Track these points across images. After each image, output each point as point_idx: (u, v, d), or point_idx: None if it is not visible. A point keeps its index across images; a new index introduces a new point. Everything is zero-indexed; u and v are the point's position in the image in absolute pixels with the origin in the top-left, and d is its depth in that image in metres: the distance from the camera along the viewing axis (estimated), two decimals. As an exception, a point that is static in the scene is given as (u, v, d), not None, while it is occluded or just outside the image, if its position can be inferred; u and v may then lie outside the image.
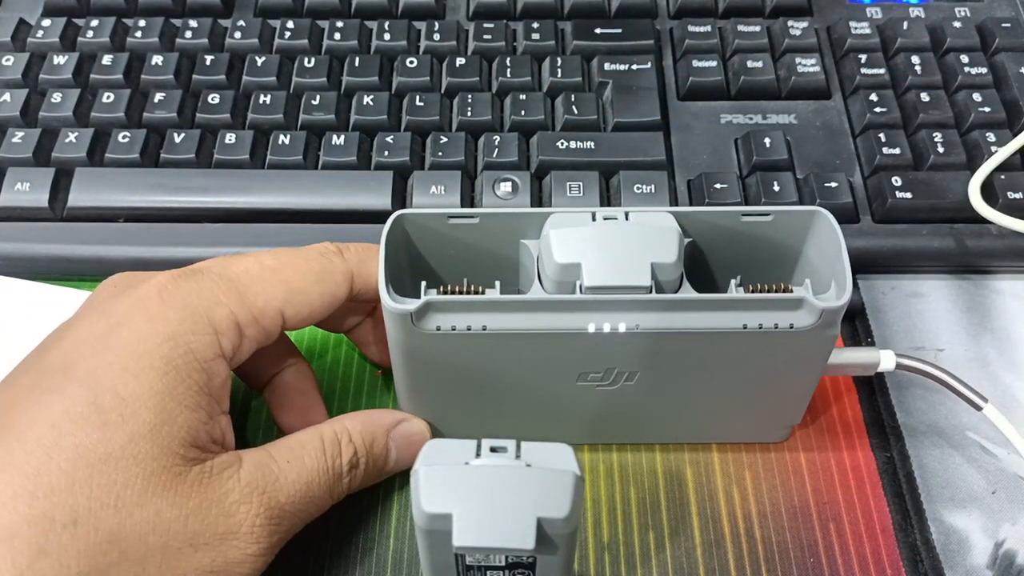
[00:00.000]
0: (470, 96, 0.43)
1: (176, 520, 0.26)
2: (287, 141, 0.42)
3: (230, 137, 0.42)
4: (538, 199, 0.40)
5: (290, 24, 0.46)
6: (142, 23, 0.46)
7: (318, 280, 0.31)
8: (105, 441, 0.26)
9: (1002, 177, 0.40)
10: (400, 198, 0.41)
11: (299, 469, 0.29)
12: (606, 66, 0.44)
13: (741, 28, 0.46)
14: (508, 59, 0.45)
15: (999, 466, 0.35)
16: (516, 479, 0.24)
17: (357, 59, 0.45)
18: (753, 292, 0.31)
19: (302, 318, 0.31)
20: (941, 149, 0.41)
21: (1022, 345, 0.39)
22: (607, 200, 0.40)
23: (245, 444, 0.36)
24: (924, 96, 0.43)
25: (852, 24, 0.46)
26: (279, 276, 0.30)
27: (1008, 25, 0.45)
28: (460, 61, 0.45)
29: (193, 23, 0.46)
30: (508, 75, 0.44)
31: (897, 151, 0.41)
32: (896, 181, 0.40)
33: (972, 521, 0.34)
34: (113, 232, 0.40)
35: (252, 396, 0.37)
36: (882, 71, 0.44)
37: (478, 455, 0.25)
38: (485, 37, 0.46)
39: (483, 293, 0.31)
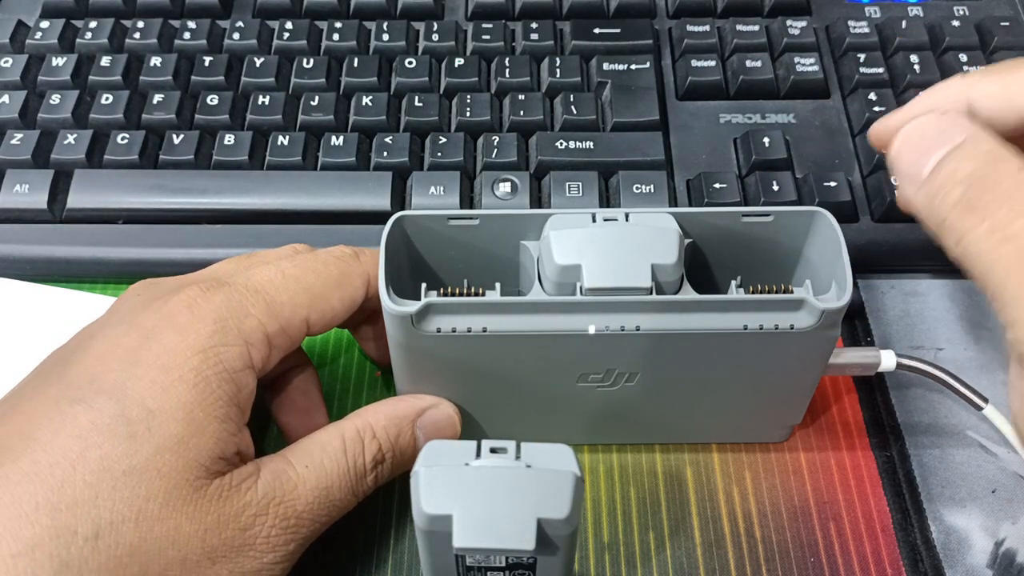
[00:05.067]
0: (469, 96, 0.43)
1: (195, 535, 0.26)
2: (286, 142, 0.42)
3: (229, 138, 0.42)
4: (537, 199, 0.40)
5: (288, 25, 0.46)
6: (140, 24, 0.46)
7: (338, 285, 0.31)
8: (131, 454, 0.26)
9: (1001, 176, 0.40)
10: (399, 199, 0.41)
11: (318, 475, 0.29)
12: (605, 66, 0.44)
13: (740, 27, 0.46)
14: (507, 59, 0.45)
15: (999, 466, 0.36)
16: (516, 480, 0.24)
17: (356, 60, 0.45)
18: (753, 293, 0.31)
19: (325, 323, 0.31)
20: (940, 148, 0.41)
21: (1021, 344, 0.39)
22: (606, 200, 0.40)
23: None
24: (923, 95, 0.43)
25: (851, 23, 0.46)
26: (302, 284, 0.30)
27: (1007, 24, 0.45)
28: (459, 61, 0.45)
29: (192, 24, 0.46)
30: (507, 75, 0.44)
31: (896, 150, 0.41)
32: (895, 180, 0.40)
33: (972, 520, 0.34)
34: (112, 234, 0.40)
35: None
36: (881, 70, 0.44)
37: (478, 456, 0.25)
38: (484, 37, 0.46)
39: (483, 295, 0.31)
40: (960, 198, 0.24)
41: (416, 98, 0.43)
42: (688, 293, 0.30)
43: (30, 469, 0.25)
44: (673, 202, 0.41)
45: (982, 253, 0.23)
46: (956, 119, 0.25)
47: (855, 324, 0.40)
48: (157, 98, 0.43)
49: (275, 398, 0.35)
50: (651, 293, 0.29)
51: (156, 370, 0.27)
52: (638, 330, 0.29)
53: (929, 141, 0.25)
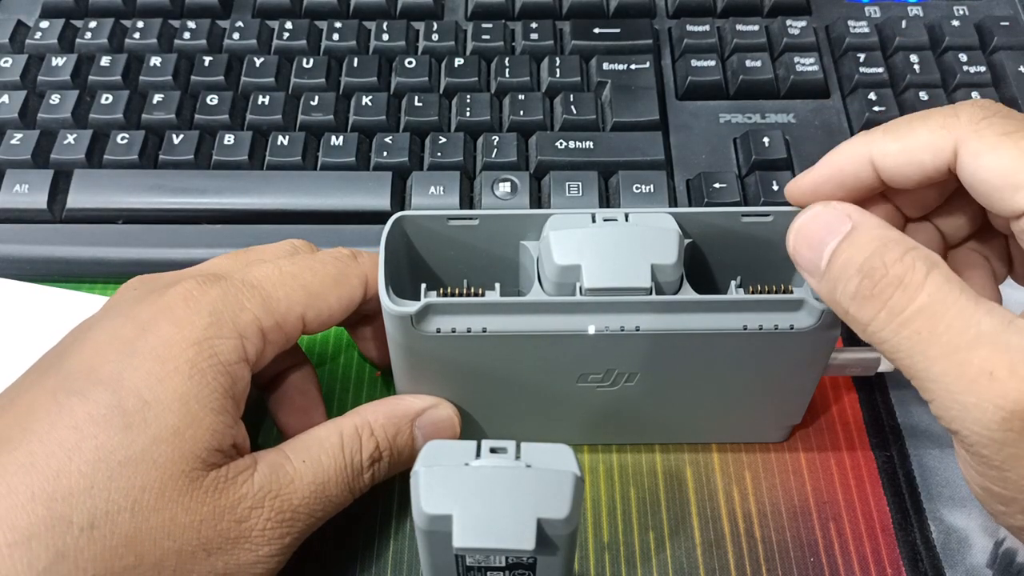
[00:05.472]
0: (469, 96, 0.43)
1: (190, 526, 0.27)
2: (286, 142, 0.42)
3: (229, 138, 0.42)
4: (537, 199, 0.40)
5: (288, 25, 0.46)
6: (140, 24, 0.46)
7: (336, 284, 0.31)
8: (126, 444, 0.26)
9: (1001, 176, 0.40)
10: (399, 199, 0.41)
11: (315, 470, 0.29)
12: (605, 66, 0.44)
13: (740, 27, 0.46)
14: (507, 59, 0.45)
15: (999, 465, 0.35)
16: (516, 480, 0.24)
17: (356, 59, 0.45)
18: (753, 293, 0.31)
19: (321, 322, 0.31)
20: (940, 148, 0.41)
21: (1021, 344, 0.39)
22: (606, 200, 0.40)
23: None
24: (923, 95, 0.43)
25: (851, 23, 0.46)
26: (299, 281, 0.30)
27: (1007, 24, 0.45)
28: (459, 61, 0.45)
29: (191, 24, 0.46)
30: (507, 75, 0.44)
31: (896, 150, 0.41)
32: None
33: (972, 520, 0.34)
34: (112, 234, 0.40)
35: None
36: (881, 70, 0.44)
37: (478, 456, 0.25)
38: (484, 37, 0.46)
39: (483, 295, 0.31)
40: (856, 290, 0.25)
41: (416, 98, 0.43)
42: (688, 293, 0.30)
43: (26, 459, 0.26)
44: (673, 202, 0.41)
45: (887, 340, 0.24)
46: (841, 209, 0.26)
47: (855, 324, 0.39)
48: (157, 98, 0.43)
49: (274, 397, 0.35)
50: (651, 293, 0.29)
51: (152, 361, 0.27)
52: (638, 330, 0.29)
53: (820, 235, 0.26)
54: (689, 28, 0.46)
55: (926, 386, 0.24)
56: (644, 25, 0.46)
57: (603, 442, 0.36)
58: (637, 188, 0.40)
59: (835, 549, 0.33)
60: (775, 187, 0.40)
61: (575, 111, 0.43)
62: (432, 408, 0.32)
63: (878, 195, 0.29)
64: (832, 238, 0.25)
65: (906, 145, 0.26)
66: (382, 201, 0.40)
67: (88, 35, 0.46)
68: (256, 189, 0.41)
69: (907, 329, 0.23)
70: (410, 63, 0.45)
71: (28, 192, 0.40)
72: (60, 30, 0.45)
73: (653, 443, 0.36)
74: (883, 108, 0.43)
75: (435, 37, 0.46)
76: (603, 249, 0.29)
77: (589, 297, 0.29)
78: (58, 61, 0.44)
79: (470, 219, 0.32)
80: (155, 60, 0.45)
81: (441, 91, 0.44)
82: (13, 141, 0.41)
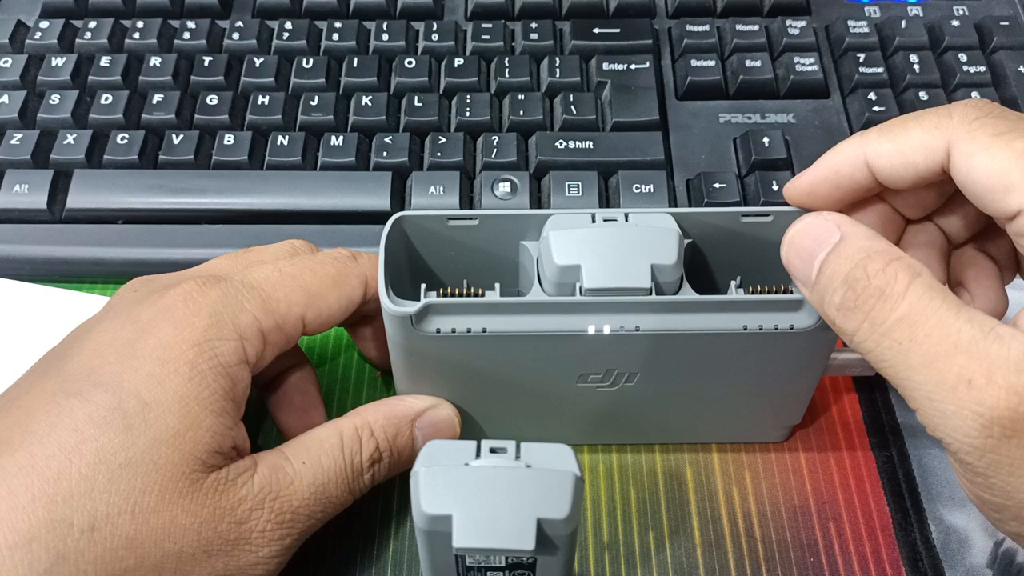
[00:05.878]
0: (468, 96, 0.43)
1: (190, 528, 0.27)
2: (286, 142, 0.42)
3: (229, 138, 0.42)
4: (537, 199, 0.40)
5: (288, 25, 0.46)
6: (140, 24, 0.46)
7: (335, 284, 0.31)
8: (127, 446, 0.26)
9: (1001, 176, 0.40)
10: (399, 199, 0.41)
11: (315, 471, 0.29)
12: (604, 66, 0.44)
13: (739, 27, 0.46)
14: (506, 59, 0.45)
15: (998, 465, 0.35)
16: (516, 480, 0.24)
17: (355, 60, 0.45)
18: (753, 293, 0.31)
19: (321, 323, 0.31)
20: (940, 148, 0.41)
21: (1021, 344, 0.39)
22: (606, 200, 0.40)
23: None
24: (923, 95, 0.43)
25: (850, 23, 0.46)
26: (299, 282, 0.30)
27: (1007, 24, 0.45)
28: (458, 61, 0.45)
29: (191, 24, 0.46)
30: (506, 75, 0.44)
31: (896, 150, 0.41)
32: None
33: (972, 520, 0.34)
34: (112, 234, 0.40)
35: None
36: (880, 70, 0.44)
37: (478, 456, 0.25)
38: (483, 37, 0.46)
39: (483, 295, 0.31)
40: (841, 301, 0.25)
41: (416, 98, 0.43)
42: (688, 293, 0.30)
43: (27, 461, 0.26)
44: (673, 202, 0.41)
45: (871, 350, 0.24)
46: (831, 220, 0.26)
47: (855, 324, 0.39)
48: (157, 98, 0.43)
49: (274, 397, 0.35)
50: (651, 293, 0.29)
51: (152, 363, 0.27)
52: (638, 330, 0.29)
53: (810, 246, 0.26)
54: (689, 28, 0.46)
55: (910, 395, 0.24)
56: (644, 25, 0.46)
57: (603, 442, 0.36)
58: (637, 188, 0.40)
59: (835, 549, 0.33)
60: (775, 187, 0.40)
61: (575, 111, 0.43)
62: (432, 408, 0.32)
63: (876, 197, 0.29)
64: (821, 249, 0.26)
65: (900, 146, 0.26)
66: (382, 201, 0.40)
67: (88, 35, 0.46)
68: (256, 189, 0.41)
69: (888, 339, 0.24)
70: (410, 63, 0.45)
71: (28, 192, 0.40)
72: (60, 30, 0.45)
73: (653, 443, 0.36)
74: (883, 108, 0.43)
75: (435, 37, 0.46)
76: (603, 249, 0.29)
77: (589, 297, 0.29)
78: (58, 61, 0.44)
79: (470, 219, 0.32)
80: (155, 60, 0.45)
81: (441, 91, 0.44)
82: (13, 141, 0.41)
